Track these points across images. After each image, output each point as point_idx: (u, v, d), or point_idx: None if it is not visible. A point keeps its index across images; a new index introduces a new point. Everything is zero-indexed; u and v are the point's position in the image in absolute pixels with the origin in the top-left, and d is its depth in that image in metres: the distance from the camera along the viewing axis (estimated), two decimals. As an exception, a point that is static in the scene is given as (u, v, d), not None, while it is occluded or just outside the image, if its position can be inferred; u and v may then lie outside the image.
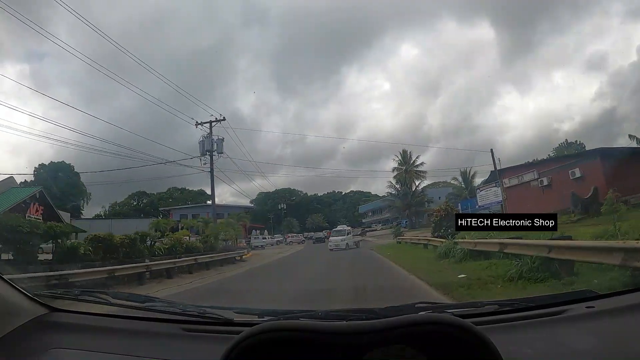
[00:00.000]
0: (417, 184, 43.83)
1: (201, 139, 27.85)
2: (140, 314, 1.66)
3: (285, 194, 57.10)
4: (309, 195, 61.79)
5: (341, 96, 73.14)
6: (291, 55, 70.16)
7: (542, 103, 65.00)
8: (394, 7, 70.54)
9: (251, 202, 52.27)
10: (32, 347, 1.35)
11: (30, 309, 1.48)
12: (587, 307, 1.35)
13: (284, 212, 52.46)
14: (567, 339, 1.21)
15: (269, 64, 74.29)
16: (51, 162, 40.31)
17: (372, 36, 78.46)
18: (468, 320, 0.89)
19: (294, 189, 59.82)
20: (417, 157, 44.62)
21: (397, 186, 44.28)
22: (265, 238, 41.27)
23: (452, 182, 41.63)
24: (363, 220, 55.81)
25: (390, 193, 45.63)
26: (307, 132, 71.32)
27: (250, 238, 37.19)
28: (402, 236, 26.73)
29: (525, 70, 65.18)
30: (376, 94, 74.49)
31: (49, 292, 1.71)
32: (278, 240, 42.70)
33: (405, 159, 44.25)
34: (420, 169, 44.16)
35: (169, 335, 1.47)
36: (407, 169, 43.58)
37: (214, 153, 27.64)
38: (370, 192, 60.73)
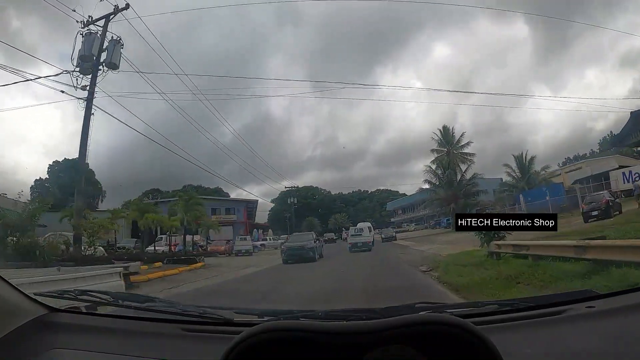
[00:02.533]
0: (463, 170, 33.38)
1: (82, 41, 15.84)
2: (140, 314, 1.66)
3: (307, 192, 54.28)
4: (332, 194, 59.05)
5: (373, 96, 71.79)
6: (324, 55, 69.40)
7: (575, 101, 63.55)
8: (429, 7, 69.49)
9: (272, 200, 49.70)
10: (32, 347, 1.35)
11: (30, 309, 1.48)
12: (587, 307, 1.35)
13: (293, 206, 47.16)
14: (567, 339, 1.21)
15: (302, 64, 73.96)
16: (65, 158, 39.68)
17: (406, 36, 76.87)
18: (468, 320, 0.89)
19: (316, 187, 57.21)
20: (462, 135, 33.99)
21: (439, 172, 33.32)
22: (266, 239, 35.03)
23: (505, 171, 32.58)
24: (392, 220, 50.63)
25: (429, 181, 34.58)
26: (340, 132, 69.91)
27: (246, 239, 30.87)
28: (503, 240, 10.23)
29: (558, 68, 62.48)
30: (408, 94, 72.86)
31: (49, 292, 1.71)
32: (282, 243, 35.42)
33: (447, 137, 33.85)
34: (466, 150, 33.53)
35: (169, 335, 1.48)
36: (450, 150, 33.38)
37: (100, 66, 15.87)
38: (398, 192, 56.41)
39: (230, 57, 58.45)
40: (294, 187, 44.66)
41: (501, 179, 33.80)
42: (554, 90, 62.40)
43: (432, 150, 34.26)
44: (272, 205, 50.91)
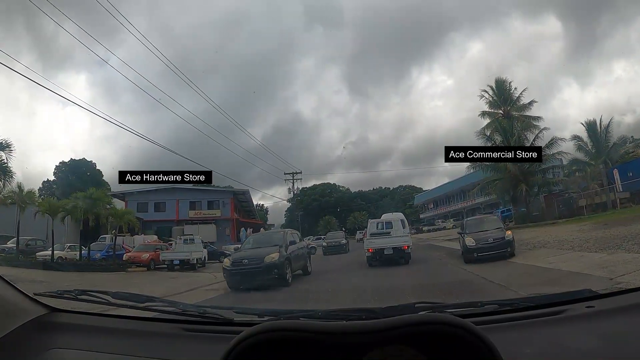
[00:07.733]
0: (531, 140, 23.26)
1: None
2: (140, 314, 1.66)
3: (323, 190, 52.38)
4: (352, 191, 56.58)
5: (403, 94, 70.85)
6: (357, 57, 69.20)
7: (603, 95, 61.15)
8: (464, 6, 68.71)
9: (288, 200, 46.57)
10: (32, 347, 1.35)
11: (30, 309, 1.48)
12: (587, 307, 1.35)
13: (295, 197, 42.68)
14: (567, 339, 1.21)
15: (335, 65, 74.42)
16: (71, 159, 39.40)
17: (439, 35, 76.83)
18: (468, 320, 0.89)
19: (334, 184, 54.83)
20: (523, 92, 25.23)
21: (498, 139, 23.36)
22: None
23: (576, 143, 24.91)
24: (421, 216, 45.65)
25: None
26: (369, 132, 68.77)
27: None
28: None
29: (586, 63, 61.96)
30: (438, 91, 71.88)
31: (49, 292, 1.71)
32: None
33: (503, 94, 25.32)
34: (529, 113, 24.70)
35: (169, 335, 1.48)
36: (508, 111, 25.08)
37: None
38: (422, 188, 53.07)
39: (264, 58, 58.99)
40: (296, 172, 37.77)
41: (560, 159, 25.39)
42: (582, 85, 61.38)
43: (483, 114, 25.64)
44: (289, 205, 48.59)
